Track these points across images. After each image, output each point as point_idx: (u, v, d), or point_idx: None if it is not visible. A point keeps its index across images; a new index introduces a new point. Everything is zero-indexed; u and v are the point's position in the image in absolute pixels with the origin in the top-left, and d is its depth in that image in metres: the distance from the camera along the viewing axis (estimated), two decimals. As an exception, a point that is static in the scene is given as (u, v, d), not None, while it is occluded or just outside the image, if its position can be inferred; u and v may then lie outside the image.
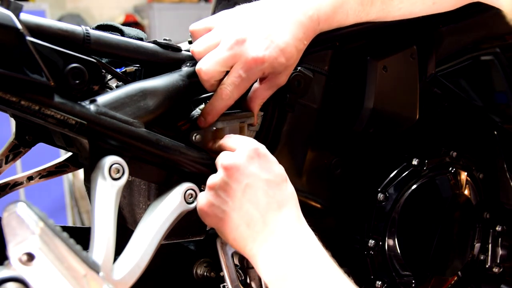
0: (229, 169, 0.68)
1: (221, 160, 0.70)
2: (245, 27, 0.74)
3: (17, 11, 0.60)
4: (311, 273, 0.64)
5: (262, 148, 0.71)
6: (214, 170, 0.72)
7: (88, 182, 0.70)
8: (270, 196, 0.68)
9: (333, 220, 0.97)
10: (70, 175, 3.34)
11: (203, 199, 0.71)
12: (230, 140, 0.74)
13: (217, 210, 0.69)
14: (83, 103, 0.65)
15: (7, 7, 0.60)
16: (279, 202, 0.68)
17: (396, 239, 0.97)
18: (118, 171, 0.66)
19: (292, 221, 0.68)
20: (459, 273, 1.07)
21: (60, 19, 3.97)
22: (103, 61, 0.72)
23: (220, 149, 0.74)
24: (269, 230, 0.67)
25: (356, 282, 0.98)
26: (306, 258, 0.65)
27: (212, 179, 0.70)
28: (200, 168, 0.74)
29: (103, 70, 0.70)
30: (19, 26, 0.59)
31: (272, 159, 0.72)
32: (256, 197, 0.68)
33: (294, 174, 0.88)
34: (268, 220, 0.67)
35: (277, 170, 0.71)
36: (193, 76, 0.76)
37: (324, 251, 0.67)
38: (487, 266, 1.11)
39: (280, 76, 0.77)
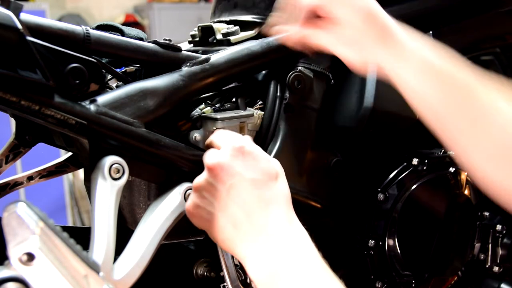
0: (213, 169, 0.66)
1: (206, 159, 0.68)
2: None
3: (17, 11, 0.60)
4: (300, 274, 0.62)
5: (248, 145, 0.68)
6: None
7: (88, 182, 0.70)
8: (256, 196, 0.65)
9: (333, 220, 0.97)
10: (70, 175, 3.34)
11: (189, 200, 0.70)
12: (216, 137, 0.71)
13: (202, 211, 0.68)
14: (83, 103, 0.65)
15: (7, 7, 0.60)
16: (266, 201, 0.65)
17: (396, 239, 0.97)
18: (118, 171, 0.66)
19: (281, 220, 0.65)
20: (459, 273, 1.07)
21: (60, 19, 3.97)
22: (103, 61, 0.72)
23: (209, 147, 0.72)
24: (257, 231, 0.64)
25: (356, 282, 0.98)
26: (296, 258, 0.63)
27: (197, 180, 0.68)
28: (200, 168, 0.74)
29: (103, 70, 0.70)
30: (19, 26, 0.59)
31: (260, 156, 0.68)
32: (240, 198, 0.65)
33: (294, 174, 0.88)
34: (254, 220, 0.65)
35: (265, 167, 0.67)
36: (193, 76, 0.76)
37: (315, 251, 0.64)
38: (487, 266, 1.11)
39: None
